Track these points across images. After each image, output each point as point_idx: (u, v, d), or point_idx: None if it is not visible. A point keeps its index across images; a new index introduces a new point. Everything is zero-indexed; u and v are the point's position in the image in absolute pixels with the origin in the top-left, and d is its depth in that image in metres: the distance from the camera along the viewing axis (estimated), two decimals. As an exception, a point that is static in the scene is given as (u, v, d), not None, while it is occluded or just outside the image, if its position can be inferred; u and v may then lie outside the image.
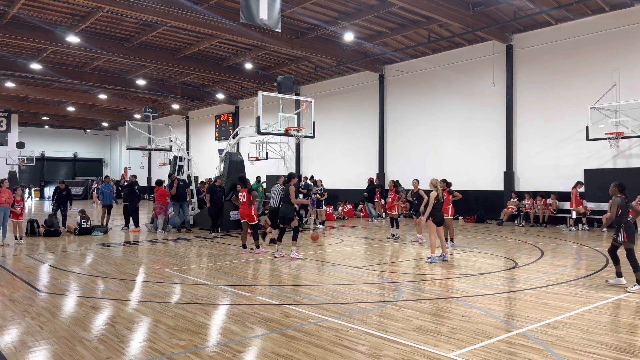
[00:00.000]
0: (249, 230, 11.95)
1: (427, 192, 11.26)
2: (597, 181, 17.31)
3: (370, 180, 21.38)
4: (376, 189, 21.30)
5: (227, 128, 35.11)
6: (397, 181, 16.20)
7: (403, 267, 10.20)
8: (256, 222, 11.92)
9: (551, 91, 18.66)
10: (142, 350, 5.08)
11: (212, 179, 16.64)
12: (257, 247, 11.73)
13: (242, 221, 11.86)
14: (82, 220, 15.62)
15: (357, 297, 7.28)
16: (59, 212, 16.62)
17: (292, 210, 11.04)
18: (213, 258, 11.13)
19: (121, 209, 17.92)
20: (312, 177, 21.02)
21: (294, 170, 28.83)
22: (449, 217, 12.64)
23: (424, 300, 7.18)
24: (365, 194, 20.82)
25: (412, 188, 14.24)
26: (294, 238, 11.03)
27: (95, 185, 37.34)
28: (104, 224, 17.10)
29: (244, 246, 11.79)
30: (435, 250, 10.55)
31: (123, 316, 6.31)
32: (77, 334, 5.56)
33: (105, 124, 47.84)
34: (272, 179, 27.45)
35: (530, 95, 19.28)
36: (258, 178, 18.35)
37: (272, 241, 13.02)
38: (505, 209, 19.16)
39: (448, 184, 12.80)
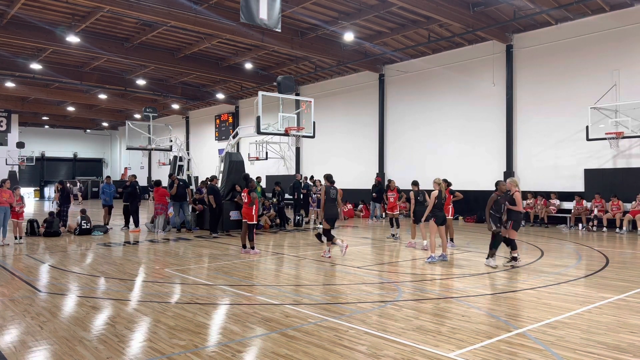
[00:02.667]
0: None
1: (429, 192, 11.30)
2: (597, 181, 17.31)
3: (379, 181, 21.41)
4: (384, 190, 21.31)
5: (227, 128, 35.11)
6: (392, 181, 16.26)
7: (403, 267, 10.19)
8: (255, 222, 11.90)
9: (551, 91, 18.66)
10: (142, 350, 5.08)
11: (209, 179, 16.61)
12: (252, 247, 11.69)
13: (243, 221, 11.89)
14: (83, 222, 15.57)
15: (357, 297, 7.28)
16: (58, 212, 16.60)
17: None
18: (213, 258, 11.13)
19: (121, 209, 17.90)
20: (311, 177, 21.02)
21: (294, 171, 28.83)
22: (449, 217, 12.66)
23: (424, 300, 7.18)
24: (374, 194, 20.82)
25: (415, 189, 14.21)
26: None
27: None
28: (105, 223, 17.11)
29: (244, 246, 11.80)
30: (436, 250, 10.56)
31: (123, 316, 6.31)
32: (77, 334, 5.56)
33: (105, 124, 47.84)
34: (272, 179, 27.48)
35: (530, 95, 19.28)
36: (258, 178, 18.33)
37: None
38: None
39: (449, 184, 12.83)
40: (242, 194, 11.89)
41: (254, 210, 11.64)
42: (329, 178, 11.54)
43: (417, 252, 11.82)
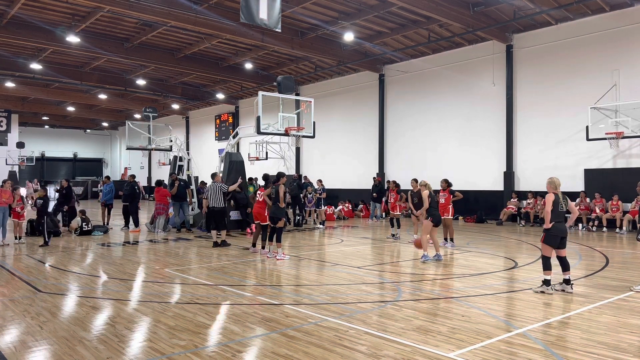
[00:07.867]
0: (254, 229, 11.94)
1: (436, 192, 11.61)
2: (597, 181, 17.31)
3: (379, 181, 21.44)
4: (385, 189, 21.34)
5: (227, 128, 35.10)
6: (392, 181, 16.36)
7: (403, 267, 10.19)
8: (266, 223, 11.65)
9: (551, 91, 18.65)
10: (142, 350, 5.08)
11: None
12: (254, 245, 11.67)
13: (255, 221, 11.87)
14: (83, 223, 15.51)
15: (357, 297, 7.28)
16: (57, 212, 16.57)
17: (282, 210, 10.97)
18: (213, 258, 11.13)
19: (121, 209, 17.88)
20: (318, 180, 21.08)
21: (294, 171, 28.82)
22: (449, 217, 12.66)
23: (424, 300, 7.18)
24: (375, 194, 20.83)
25: (411, 188, 14.22)
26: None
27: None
28: (105, 223, 17.10)
29: (263, 247, 11.63)
30: (429, 249, 10.55)
31: (123, 316, 6.31)
32: (77, 334, 5.56)
33: (105, 124, 47.83)
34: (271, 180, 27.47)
35: (530, 95, 19.28)
36: (251, 179, 18.23)
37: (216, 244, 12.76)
38: (505, 209, 19.17)
39: (449, 184, 12.84)
40: (259, 192, 11.70)
41: (266, 212, 11.40)
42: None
43: (416, 252, 11.78)
